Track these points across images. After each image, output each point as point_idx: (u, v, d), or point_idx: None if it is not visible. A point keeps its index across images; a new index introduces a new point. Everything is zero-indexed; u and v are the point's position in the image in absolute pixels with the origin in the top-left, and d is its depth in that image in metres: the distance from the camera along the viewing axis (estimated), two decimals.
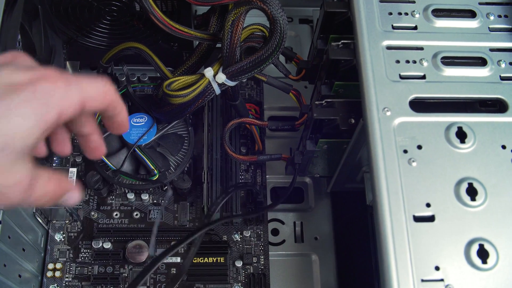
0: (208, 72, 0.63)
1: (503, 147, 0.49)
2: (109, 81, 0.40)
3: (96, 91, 0.39)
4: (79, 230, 0.74)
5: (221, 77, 0.62)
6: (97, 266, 0.72)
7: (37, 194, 0.38)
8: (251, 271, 0.73)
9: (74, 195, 0.42)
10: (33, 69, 0.36)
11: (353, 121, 0.57)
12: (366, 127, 0.49)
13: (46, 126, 0.35)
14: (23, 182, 0.36)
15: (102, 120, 0.44)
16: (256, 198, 0.74)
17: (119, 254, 0.72)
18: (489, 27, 0.56)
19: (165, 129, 0.73)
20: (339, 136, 0.61)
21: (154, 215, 0.75)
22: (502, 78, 0.53)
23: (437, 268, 0.43)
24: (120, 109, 0.42)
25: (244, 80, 0.69)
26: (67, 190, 0.41)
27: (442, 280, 0.43)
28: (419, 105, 0.51)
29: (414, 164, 0.47)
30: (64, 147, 0.43)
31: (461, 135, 0.49)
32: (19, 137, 0.34)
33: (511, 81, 0.53)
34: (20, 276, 0.65)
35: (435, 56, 0.54)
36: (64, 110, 0.36)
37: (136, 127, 0.71)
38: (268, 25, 0.58)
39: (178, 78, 0.64)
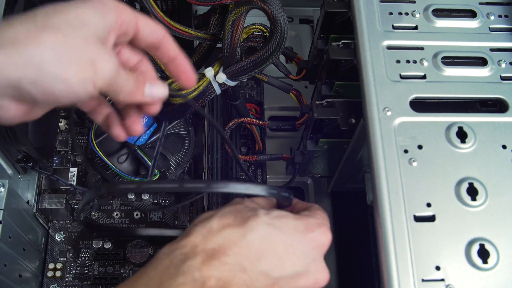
0: (209, 72, 0.63)
1: (504, 147, 0.49)
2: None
3: (148, 21, 0.44)
4: (79, 229, 0.74)
5: (222, 77, 0.62)
6: (97, 266, 0.72)
7: (122, 81, 0.42)
8: None
9: (157, 87, 0.46)
10: None
11: (353, 121, 0.57)
12: (366, 127, 0.49)
13: (117, 25, 0.41)
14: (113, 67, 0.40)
15: (167, 68, 0.47)
16: None
17: (120, 254, 0.72)
18: (489, 27, 0.56)
19: (165, 129, 0.73)
20: (340, 136, 0.61)
21: (154, 215, 0.75)
22: (503, 78, 0.53)
23: (437, 268, 0.43)
24: (174, 49, 0.47)
25: (244, 80, 0.69)
26: (147, 81, 0.45)
27: (442, 280, 0.43)
28: (420, 105, 0.51)
29: (414, 164, 0.47)
30: (136, 125, 0.48)
31: (462, 135, 0.49)
32: (107, 30, 0.40)
33: None
34: (20, 276, 0.65)
35: (435, 56, 0.54)
36: (124, 18, 0.42)
37: None
38: (269, 25, 0.58)
39: None
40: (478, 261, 0.44)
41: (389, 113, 0.50)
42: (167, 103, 0.66)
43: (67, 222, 0.74)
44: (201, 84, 0.63)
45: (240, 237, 0.41)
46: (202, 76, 0.64)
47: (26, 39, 0.36)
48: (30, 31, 0.36)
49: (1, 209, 0.58)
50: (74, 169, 0.72)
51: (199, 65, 0.70)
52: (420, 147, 0.48)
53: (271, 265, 0.41)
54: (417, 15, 0.57)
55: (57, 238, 0.74)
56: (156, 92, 0.46)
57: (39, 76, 0.36)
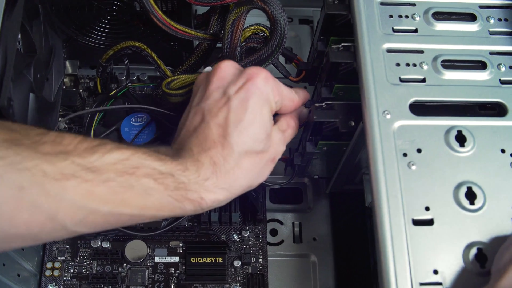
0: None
1: (503, 151, 0.49)
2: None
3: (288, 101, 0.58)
4: None
5: None
6: (95, 265, 0.72)
7: (289, 137, 0.59)
8: (250, 271, 0.73)
9: (303, 112, 0.62)
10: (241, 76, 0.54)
11: (353, 123, 0.57)
12: (365, 130, 0.49)
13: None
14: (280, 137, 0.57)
15: None
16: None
17: (118, 254, 0.72)
18: (489, 31, 0.56)
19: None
20: (339, 139, 0.61)
21: None
22: (502, 82, 0.53)
23: (435, 272, 0.44)
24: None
25: None
26: (299, 116, 0.61)
27: (440, 283, 0.43)
28: (419, 109, 0.51)
29: (413, 167, 0.48)
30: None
31: (461, 139, 0.49)
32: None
33: (511, 85, 0.53)
34: (19, 275, 0.65)
35: (435, 59, 0.54)
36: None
37: (136, 126, 0.71)
38: (269, 25, 0.58)
39: (177, 77, 0.64)
40: (476, 265, 0.44)
41: (388, 116, 0.50)
42: (167, 102, 0.66)
43: None
44: None
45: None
46: None
47: None
48: None
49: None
50: None
51: (198, 65, 0.70)
52: (419, 150, 0.49)
53: None
54: (417, 18, 0.57)
55: None
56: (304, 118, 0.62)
57: None
